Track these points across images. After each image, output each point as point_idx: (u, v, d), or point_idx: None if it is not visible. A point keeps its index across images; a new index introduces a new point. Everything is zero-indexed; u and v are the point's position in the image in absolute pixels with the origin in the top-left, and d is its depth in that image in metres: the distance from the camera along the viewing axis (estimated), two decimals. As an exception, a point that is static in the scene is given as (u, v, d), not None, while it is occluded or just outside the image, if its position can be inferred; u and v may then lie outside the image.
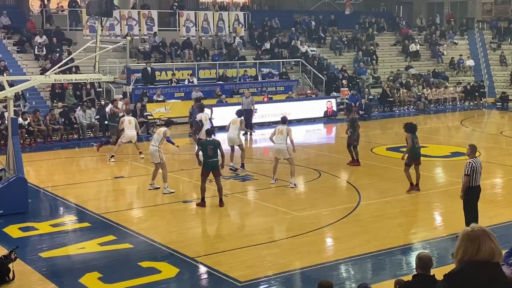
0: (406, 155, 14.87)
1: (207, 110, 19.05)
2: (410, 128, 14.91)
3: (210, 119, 18.70)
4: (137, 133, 19.80)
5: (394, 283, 6.76)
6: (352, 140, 17.78)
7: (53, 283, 9.53)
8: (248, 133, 22.77)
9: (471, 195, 11.23)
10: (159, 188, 15.13)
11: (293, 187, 15.26)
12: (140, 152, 19.14)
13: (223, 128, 24.23)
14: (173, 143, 18.04)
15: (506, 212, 13.27)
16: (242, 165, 16.95)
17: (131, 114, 20.16)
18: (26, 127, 21.15)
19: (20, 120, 19.91)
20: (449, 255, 9.11)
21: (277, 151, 15.57)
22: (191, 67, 28.71)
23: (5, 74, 22.33)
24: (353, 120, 18.38)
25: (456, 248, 3.88)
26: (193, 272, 10.19)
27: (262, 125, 25.75)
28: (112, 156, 18.72)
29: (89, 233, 12.07)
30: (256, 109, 24.48)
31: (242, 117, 17.64)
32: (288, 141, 15.38)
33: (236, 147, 17.36)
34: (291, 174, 15.39)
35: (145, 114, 24.02)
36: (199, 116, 18.17)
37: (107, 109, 22.10)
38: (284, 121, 16.01)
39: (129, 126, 18.97)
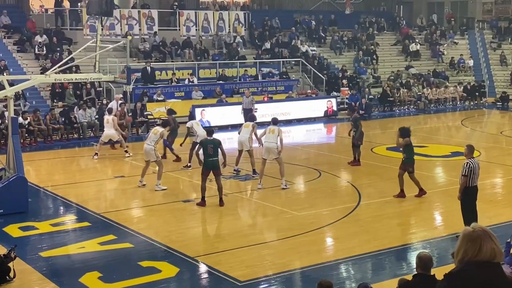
0: (409, 163, 14.33)
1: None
2: (406, 133, 14.37)
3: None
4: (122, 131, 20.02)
5: (398, 281, 6.76)
6: (355, 140, 17.79)
7: (53, 282, 9.54)
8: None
9: (468, 195, 11.23)
10: (145, 185, 15.34)
11: (285, 188, 15.15)
12: (126, 151, 19.42)
13: (223, 128, 24.35)
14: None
15: (506, 212, 13.26)
16: (254, 171, 16.46)
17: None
18: (26, 126, 21.15)
19: (20, 119, 19.91)
20: (449, 255, 9.10)
21: (266, 150, 15.30)
22: (191, 67, 28.70)
23: (5, 74, 22.32)
24: (355, 119, 18.41)
25: (457, 248, 3.88)
26: (193, 272, 10.20)
27: (263, 125, 25.64)
28: (96, 154, 19.12)
29: (89, 233, 12.07)
30: (256, 109, 24.48)
31: (255, 122, 16.94)
32: (278, 141, 15.26)
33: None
34: (281, 175, 15.27)
35: (145, 113, 24.01)
36: (189, 124, 18.10)
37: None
38: (275, 122, 15.81)
39: (107, 125, 19.38)
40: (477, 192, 11.36)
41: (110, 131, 19.28)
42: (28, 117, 21.43)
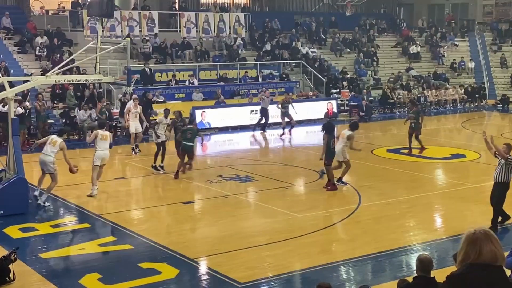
0: (324, 155, 15.15)
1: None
2: (328, 129, 15.33)
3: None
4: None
5: (398, 282, 6.75)
6: (413, 130, 19.33)
7: (53, 284, 9.52)
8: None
9: (505, 189, 11.75)
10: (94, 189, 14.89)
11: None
12: (136, 146, 19.80)
13: (223, 130, 24.36)
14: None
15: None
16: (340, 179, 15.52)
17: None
18: (26, 114, 21.26)
19: (20, 110, 19.94)
20: (449, 257, 9.10)
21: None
22: (192, 68, 28.68)
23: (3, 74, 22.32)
24: (417, 112, 19.77)
25: (459, 250, 3.88)
26: (193, 273, 10.19)
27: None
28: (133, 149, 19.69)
29: (89, 234, 12.07)
30: (256, 111, 24.51)
31: (353, 132, 15.66)
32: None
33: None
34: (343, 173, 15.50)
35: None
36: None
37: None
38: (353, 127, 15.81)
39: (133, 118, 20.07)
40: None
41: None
42: (26, 105, 21.50)
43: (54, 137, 14.30)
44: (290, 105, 23.81)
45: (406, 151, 19.95)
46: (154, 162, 17.15)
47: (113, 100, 24.98)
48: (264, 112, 24.37)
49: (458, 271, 3.86)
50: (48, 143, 14.03)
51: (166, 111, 17.95)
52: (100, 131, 15.15)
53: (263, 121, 24.41)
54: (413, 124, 19.48)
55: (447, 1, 42.01)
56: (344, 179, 15.46)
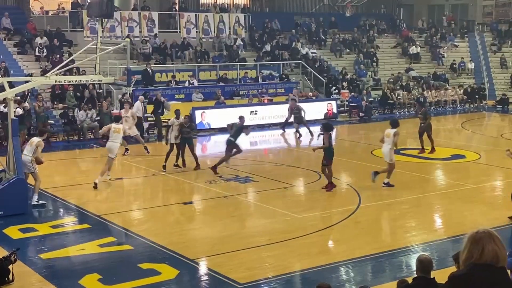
0: (317, 150, 15.82)
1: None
2: (327, 128, 15.58)
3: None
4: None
5: (397, 283, 6.75)
6: (423, 130, 19.85)
7: (52, 284, 9.52)
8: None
9: None
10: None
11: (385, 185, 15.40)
12: (145, 147, 19.81)
13: (223, 130, 24.29)
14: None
15: (506, 214, 13.22)
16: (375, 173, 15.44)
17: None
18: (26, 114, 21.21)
19: (20, 111, 19.95)
20: (449, 258, 9.10)
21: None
22: (192, 69, 28.69)
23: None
24: (425, 112, 20.51)
25: (462, 249, 3.88)
26: (193, 274, 10.19)
27: (263, 127, 25.77)
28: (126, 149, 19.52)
29: (89, 235, 12.06)
30: (256, 111, 24.45)
31: (397, 129, 15.64)
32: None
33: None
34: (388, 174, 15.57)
35: (145, 115, 23.96)
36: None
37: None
38: (394, 124, 15.76)
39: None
40: None
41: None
42: (26, 105, 21.49)
43: (34, 138, 14.30)
44: (301, 112, 23.84)
45: (406, 151, 19.97)
46: (165, 162, 17.27)
47: (113, 100, 24.97)
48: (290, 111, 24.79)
49: (460, 272, 3.86)
50: (27, 144, 14.07)
51: (177, 112, 18.04)
52: (113, 124, 16.18)
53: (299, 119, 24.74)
54: (422, 124, 20.07)
55: (447, 1, 42.04)
56: (343, 179, 15.45)
